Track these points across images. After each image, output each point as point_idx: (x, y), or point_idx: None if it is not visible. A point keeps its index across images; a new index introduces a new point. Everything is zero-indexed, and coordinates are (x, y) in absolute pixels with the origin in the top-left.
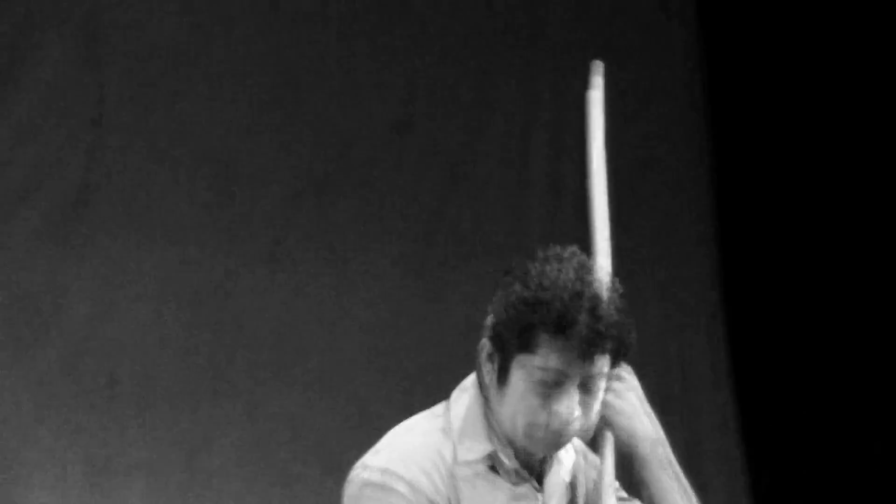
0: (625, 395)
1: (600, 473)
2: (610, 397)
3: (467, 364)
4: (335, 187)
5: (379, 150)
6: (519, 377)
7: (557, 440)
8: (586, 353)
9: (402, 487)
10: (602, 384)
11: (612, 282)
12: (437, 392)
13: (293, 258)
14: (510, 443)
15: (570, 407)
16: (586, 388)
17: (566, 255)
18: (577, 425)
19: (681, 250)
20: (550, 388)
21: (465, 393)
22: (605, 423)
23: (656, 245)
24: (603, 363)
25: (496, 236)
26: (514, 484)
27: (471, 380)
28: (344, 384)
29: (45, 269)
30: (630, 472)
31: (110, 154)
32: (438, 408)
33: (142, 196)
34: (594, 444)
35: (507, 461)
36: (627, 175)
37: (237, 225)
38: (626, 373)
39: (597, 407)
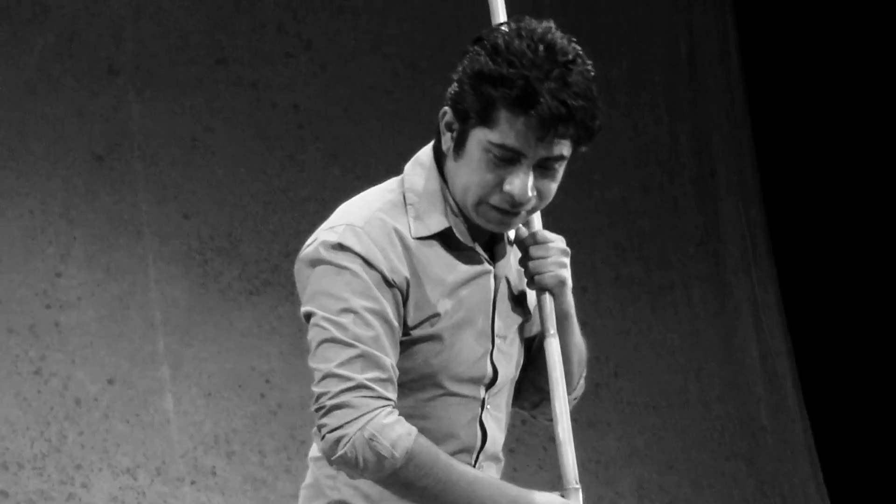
0: (561, 256)
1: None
2: (564, 265)
3: None
4: None
5: None
6: (475, 149)
7: (508, 219)
8: (545, 135)
9: (356, 265)
10: (561, 169)
11: (585, 65)
12: None
13: None
14: (465, 219)
15: (522, 188)
16: (543, 170)
17: (540, 29)
18: (528, 206)
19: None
20: (506, 165)
21: (421, 168)
22: (543, 271)
23: None
24: (562, 147)
25: None
26: (469, 259)
27: (426, 153)
28: None
29: None
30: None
31: None
32: (391, 182)
33: None
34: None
35: (462, 238)
36: None
37: None
38: (559, 239)
39: (552, 191)
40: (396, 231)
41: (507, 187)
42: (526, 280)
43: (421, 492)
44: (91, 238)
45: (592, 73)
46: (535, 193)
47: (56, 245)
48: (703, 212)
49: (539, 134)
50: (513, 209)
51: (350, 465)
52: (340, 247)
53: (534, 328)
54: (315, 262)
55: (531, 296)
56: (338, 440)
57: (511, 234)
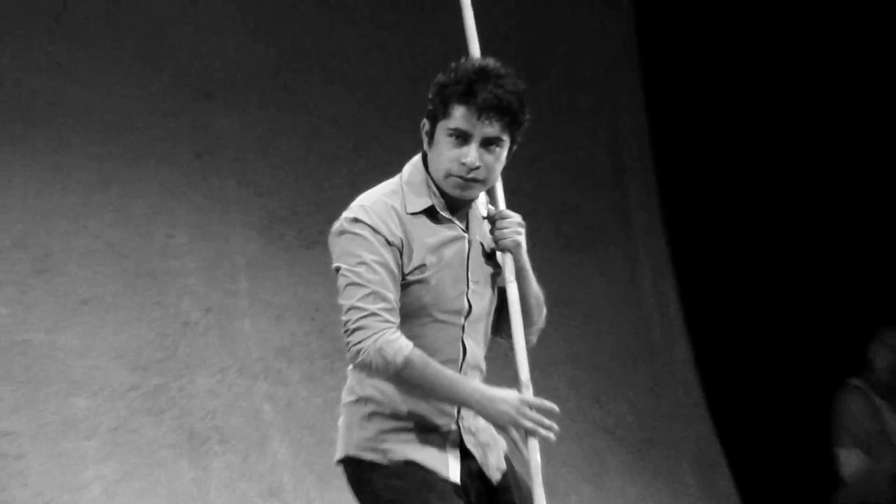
0: (517, 227)
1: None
2: (519, 233)
3: None
4: None
5: None
6: (441, 136)
7: (468, 185)
8: (483, 117)
9: (366, 232)
10: (498, 150)
11: (515, 79)
12: None
13: None
14: (442, 195)
15: (473, 157)
16: (486, 147)
17: (483, 61)
18: (478, 173)
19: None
20: (460, 144)
21: (413, 166)
22: (504, 237)
23: None
24: (496, 129)
25: None
26: (448, 228)
27: (417, 157)
28: None
29: None
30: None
31: None
32: (393, 178)
33: None
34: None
35: (441, 211)
36: None
37: None
38: (517, 215)
39: (495, 167)
40: (394, 209)
41: (462, 159)
42: (494, 244)
43: (417, 387)
44: (192, 210)
45: (522, 86)
46: (482, 165)
47: (168, 216)
48: (616, 201)
49: (479, 117)
50: (468, 176)
51: (367, 368)
52: (356, 220)
53: (504, 280)
54: (340, 232)
55: (499, 255)
56: (358, 351)
57: (485, 212)
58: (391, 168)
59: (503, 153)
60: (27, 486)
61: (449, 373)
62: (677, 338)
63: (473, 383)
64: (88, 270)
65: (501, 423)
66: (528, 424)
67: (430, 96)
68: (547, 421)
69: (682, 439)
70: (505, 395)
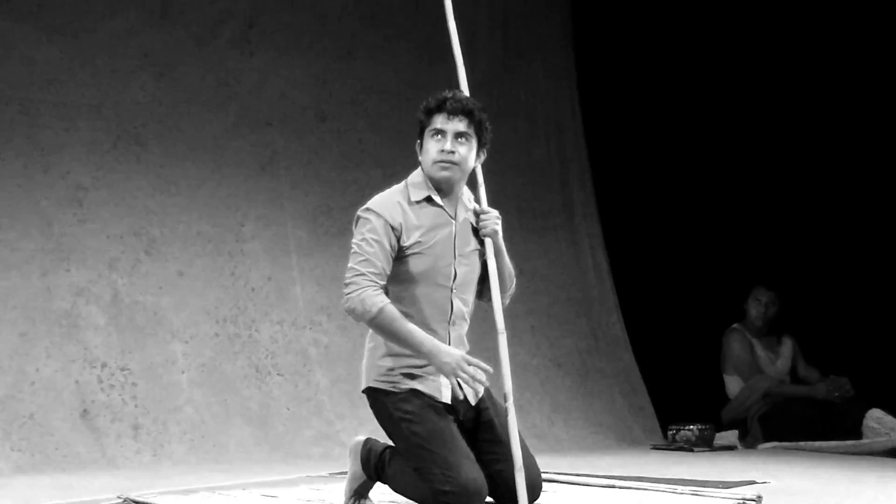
0: (495, 219)
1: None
2: (497, 223)
3: None
4: None
5: None
6: (427, 138)
7: (448, 168)
8: (453, 117)
9: (372, 217)
10: (467, 143)
11: (478, 103)
12: None
13: None
14: (436, 189)
15: (449, 145)
16: (458, 139)
17: (453, 92)
18: (454, 157)
19: None
20: (439, 138)
21: (416, 172)
22: (485, 227)
23: None
24: (464, 124)
25: None
26: (440, 215)
27: (417, 169)
28: None
29: None
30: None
31: None
32: (400, 183)
33: None
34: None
35: (437, 199)
36: None
37: None
38: (495, 211)
39: (468, 157)
40: (399, 202)
41: (441, 147)
42: (478, 231)
43: (388, 334)
44: (258, 206)
45: (480, 104)
46: (456, 151)
47: (240, 211)
48: (562, 191)
49: (449, 117)
50: (447, 159)
51: (352, 313)
52: (367, 210)
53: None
54: (357, 218)
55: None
56: (348, 300)
57: (471, 206)
58: (396, 178)
59: (472, 146)
60: (139, 406)
61: (412, 327)
62: (608, 295)
63: (429, 339)
64: (183, 251)
65: (444, 372)
66: (463, 376)
67: (418, 119)
68: (479, 376)
69: (612, 369)
70: (450, 352)
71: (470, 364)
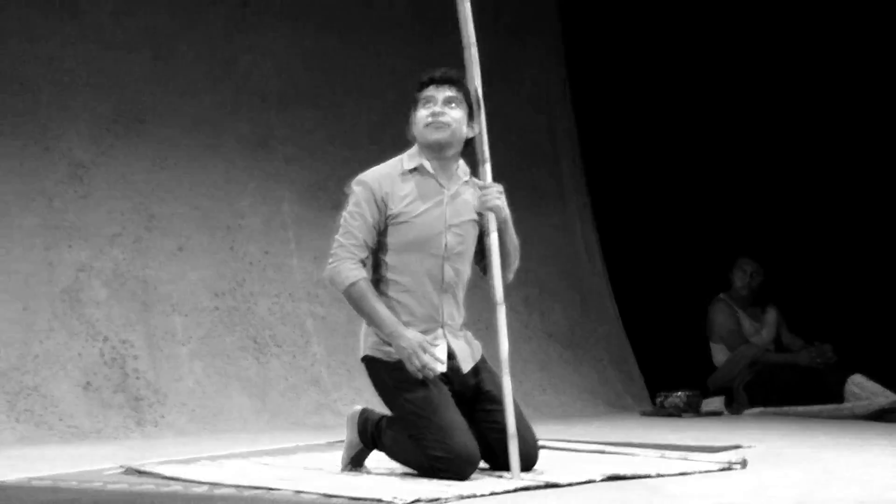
0: (496, 192)
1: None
2: (499, 198)
3: None
4: None
5: None
6: (419, 106)
7: (436, 128)
8: (442, 84)
9: (360, 188)
10: (456, 107)
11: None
12: None
13: None
14: (428, 157)
15: (438, 108)
16: (447, 105)
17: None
18: (444, 118)
19: None
20: (428, 104)
21: (411, 146)
22: (487, 199)
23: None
24: (452, 91)
25: None
26: (432, 184)
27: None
28: None
29: None
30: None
31: None
32: (396, 157)
33: None
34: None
35: (430, 169)
36: None
37: None
38: (498, 185)
39: (458, 118)
40: (389, 172)
41: (432, 109)
42: (481, 206)
43: (357, 308)
44: (255, 182)
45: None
46: (445, 112)
47: (238, 186)
48: (553, 165)
49: (438, 85)
50: (437, 119)
51: (330, 282)
52: (359, 182)
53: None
54: (350, 190)
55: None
56: (326, 270)
57: (466, 178)
58: (390, 154)
59: (463, 111)
60: (140, 378)
61: (379, 305)
62: (598, 268)
63: (392, 320)
64: (182, 226)
65: (401, 356)
66: (416, 362)
67: (413, 100)
68: (431, 365)
69: (602, 338)
70: (409, 336)
71: (425, 352)
